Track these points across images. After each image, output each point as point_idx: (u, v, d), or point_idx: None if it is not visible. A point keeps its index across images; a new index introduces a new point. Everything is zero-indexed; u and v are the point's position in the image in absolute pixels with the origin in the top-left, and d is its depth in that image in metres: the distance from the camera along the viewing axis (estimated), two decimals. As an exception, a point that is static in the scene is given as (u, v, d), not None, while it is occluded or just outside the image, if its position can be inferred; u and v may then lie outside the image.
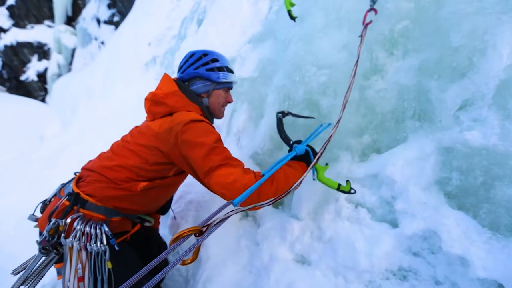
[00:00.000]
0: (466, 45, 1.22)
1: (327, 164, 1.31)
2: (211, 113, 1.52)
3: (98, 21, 14.43)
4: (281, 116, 1.45)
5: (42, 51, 16.69)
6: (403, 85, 1.37)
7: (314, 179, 1.26)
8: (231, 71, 1.53)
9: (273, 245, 1.48)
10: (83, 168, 1.47)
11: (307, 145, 1.30)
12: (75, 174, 1.50)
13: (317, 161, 1.17)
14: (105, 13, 14.25)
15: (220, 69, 1.47)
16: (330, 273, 1.29)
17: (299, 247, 1.42)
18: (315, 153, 1.26)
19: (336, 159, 1.49)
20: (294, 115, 1.49)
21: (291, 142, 1.36)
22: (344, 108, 1.28)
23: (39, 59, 16.68)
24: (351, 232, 1.29)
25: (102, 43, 13.57)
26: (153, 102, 1.42)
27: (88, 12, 14.84)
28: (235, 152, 1.83)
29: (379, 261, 1.17)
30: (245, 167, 1.23)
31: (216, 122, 1.86)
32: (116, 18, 13.82)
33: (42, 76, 16.36)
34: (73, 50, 15.35)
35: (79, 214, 1.28)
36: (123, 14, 11.83)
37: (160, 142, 1.32)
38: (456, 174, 1.13)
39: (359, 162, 1.46)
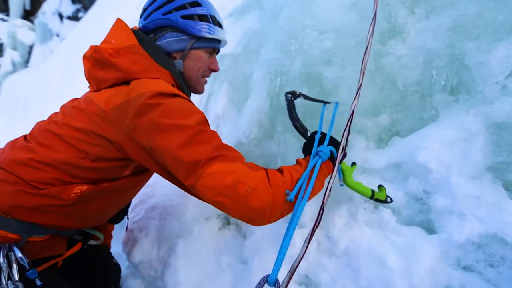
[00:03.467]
0: (513, -6, 0.97)
1: (354, 163, 0.99)
2: (186, 84, 1.06)
3: (61, 16, 13.36)
4: (291, 97, 1.07)
5: (-7, 47, 15.02)
6: (431, 49, 1.09)
7: (341, 185, 0.95)
8: (220, 26, 1.07)
9: (266, 263, 1.10)
10: None
11: (330, 137, 0.97)
12: None
13: (342, 159, 0.90)
14: (68, 8, 13.24)
15: (203, 18, 1.01)
16: (348, 299, 0.93)
17: (302, 264, 1.05)
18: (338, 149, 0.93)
19: (347, 145, 1.15)
20: (307, 98, 1.12)
21: (309, 133, 1.00)
22: (363, 74, 0.96)
23: (-10, 56, 14.99)
24: (375, 241, 0.95)
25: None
26: (96, 62, 0.93)
27: (49, 6, 13.67)
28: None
29: (420, 281, 0.84)
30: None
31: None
32: (81, 14, 12.84)
33: (-7, 74, 14.63)
34: (31, 47, 13.98)
35: None
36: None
37: (108, 126, 0.87)
38: (519, 156, 0.84)
39: (376, 148, 1.14)
